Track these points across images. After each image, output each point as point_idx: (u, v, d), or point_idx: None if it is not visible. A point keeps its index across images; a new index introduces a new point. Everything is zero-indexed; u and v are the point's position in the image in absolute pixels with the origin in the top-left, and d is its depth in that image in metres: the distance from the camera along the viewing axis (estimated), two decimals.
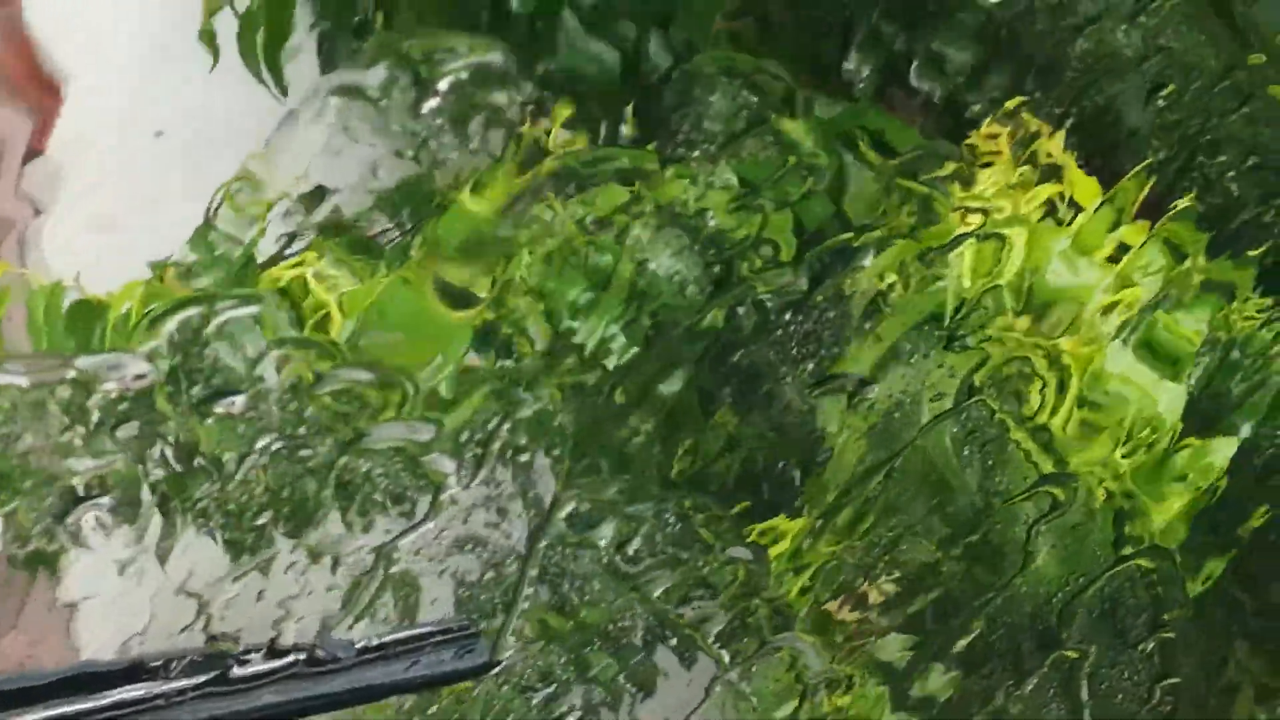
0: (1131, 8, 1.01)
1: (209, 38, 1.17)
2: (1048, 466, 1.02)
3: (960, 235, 0.99)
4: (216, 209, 0.98)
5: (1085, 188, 1.08)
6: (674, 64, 1.07)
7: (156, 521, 0.93)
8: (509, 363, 1.00)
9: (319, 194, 1.00)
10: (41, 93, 1.29)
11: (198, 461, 0.91)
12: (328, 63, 1.16)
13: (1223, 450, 1.10)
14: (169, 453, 0.92)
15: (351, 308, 0.97)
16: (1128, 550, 1.05)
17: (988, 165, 1.07)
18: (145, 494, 0.90)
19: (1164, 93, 1.01)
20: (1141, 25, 1.01)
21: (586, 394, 1.01)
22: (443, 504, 0.96)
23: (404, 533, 0.96)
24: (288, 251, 1.00)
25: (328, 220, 1.00)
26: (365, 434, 0.95)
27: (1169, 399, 1.08)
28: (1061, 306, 1.06)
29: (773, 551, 1.04)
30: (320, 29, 1.16)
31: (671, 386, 1.02)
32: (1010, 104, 1.08)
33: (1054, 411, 1.04)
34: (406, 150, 0.93)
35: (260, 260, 0.99)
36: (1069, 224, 1.07)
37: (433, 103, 0.93)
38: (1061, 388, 1.03)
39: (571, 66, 1.09)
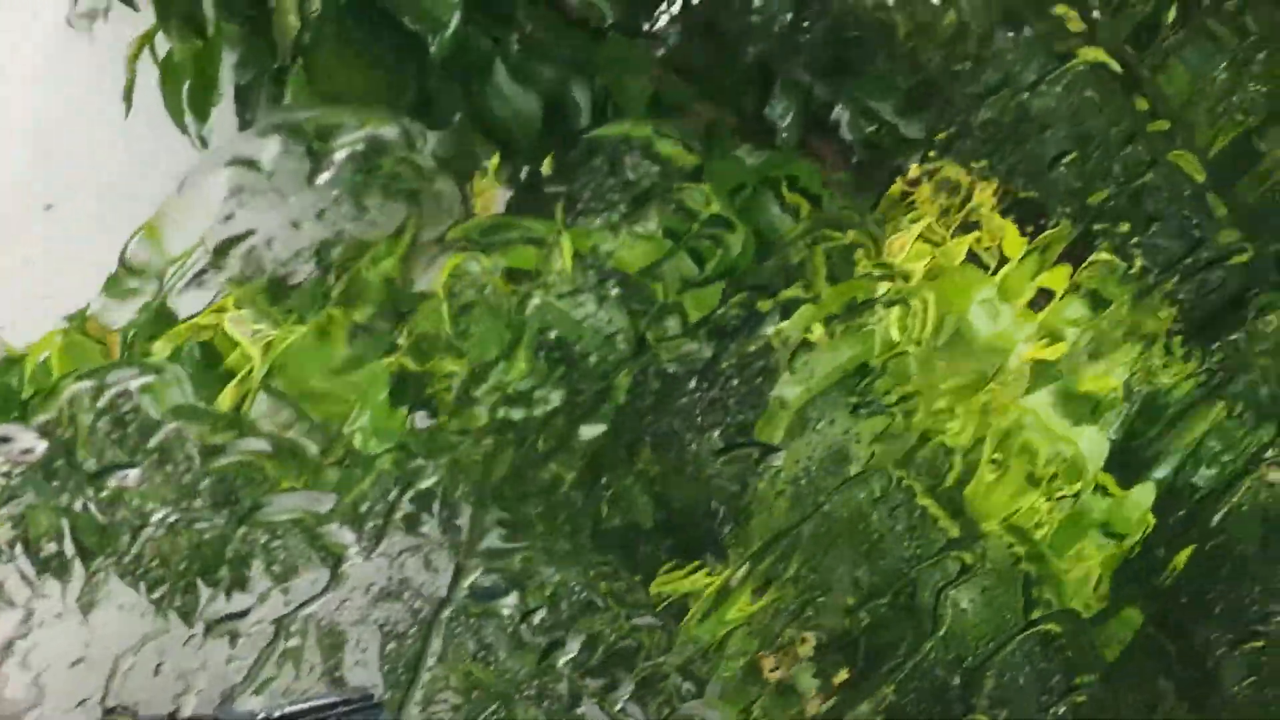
0: (1033, 77, 1.00)
1: (128, 90, 1.16)
2: (955, 531, 1.02)
3: (868, 300, 0.99)
4: (126, 257, 0.98)
5: (1011, 238, 1.07)
6: (596, 116, 1.07)
7: (55, 595, 0.93)
8: (424, 414, 0.99)
9: (226, 248, 0.99)
10: None
11: (90, 537, 0.90)
12: (245, 112, 1.15)
13: (1143, 499, 1.10)
14: (65, 526, 0.91)
15: (269, 357, 0.97)
16: (1037, 614, 1.04)
17: (912, 217, 1.07)
18: (31, 568, 0.89)
19: (1067, 159, 1.00)
20: (1043, 94, 1.00)
21: (499, 449, 1.01)
22: (343, 575, 0.95)
23: (304, 604, 0.95)
24: (202, 303, 1.00)
25: (242, 273, 1.00)
26: (263, 505, 0.94)
27: (1089, 446, 1.08)
28: (984, 355, 1.06)
29: (690, 614, 1.04)
30: (240, 80, 1.16)
31: (589, 437, 1.02)
32: (936, 159, 1.08)
33: (965, 474, 1.03)
34: (302, 221, 0.93)
35: (180, 313, 0.99)
36: (993, 273, 1.06)
37: (326, 175, 0.93)
38: (974, 448, 1.02)
39: (499, 116, 1.08)
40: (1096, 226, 1.03)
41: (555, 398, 1.01)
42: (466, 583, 0.99)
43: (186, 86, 1.14)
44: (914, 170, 1.07)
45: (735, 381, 1.00)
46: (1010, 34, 1.01)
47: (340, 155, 0.93)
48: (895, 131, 1.09)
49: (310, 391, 0.98)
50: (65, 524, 0.92)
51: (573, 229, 0.98)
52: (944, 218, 1.07)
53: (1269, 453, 1.07)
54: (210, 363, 0.97)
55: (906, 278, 1.04)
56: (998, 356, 1.06)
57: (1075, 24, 1.00)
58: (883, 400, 1.02)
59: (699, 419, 1.00)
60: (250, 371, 0.96)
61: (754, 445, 1.00)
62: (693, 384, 1.00)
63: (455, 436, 1.00)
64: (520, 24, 1.07)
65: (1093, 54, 1.00)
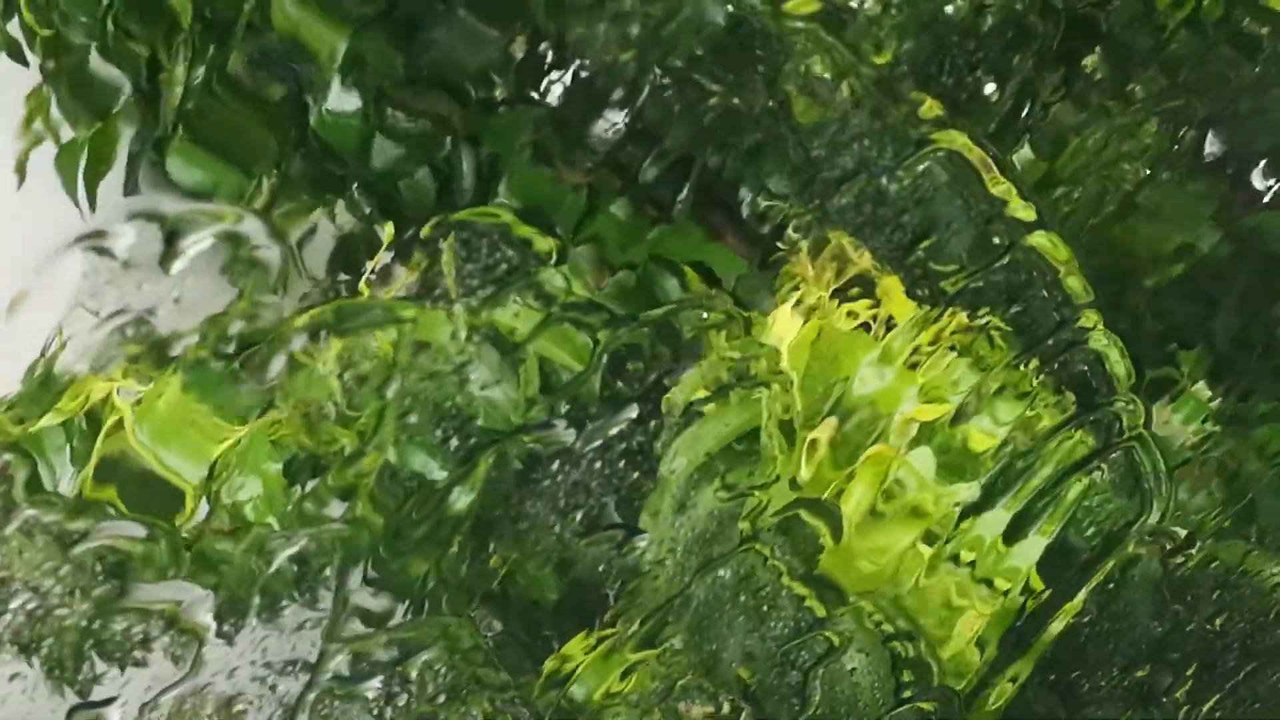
0: (887, 163, 1.01)
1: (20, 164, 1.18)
2: (822, 611, 1.02)
3: (723, 387, 1.00)
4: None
5: (899, 301, 1.08)
6: (481, 185, 1.08)
7: None
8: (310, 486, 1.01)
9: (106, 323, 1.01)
10: None
11: None
12: (130, 181, 1.16)
13: (1029, 553, 1.11)
14: None
15: (141, 418, 0.98)
16: (908, 694, 1.05)
17: (796, 290, 1.08)
18: None
19: (924, 244, 1.01)
20: (899, 179, 1.01)
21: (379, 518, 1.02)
22: (203, 659, 0.96)
23: (165, 690, 0.96)
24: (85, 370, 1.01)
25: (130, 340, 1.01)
26: (126, 592, 0.95)
27: (967, 497, 1.09)
28: (868, 413, 1.07)
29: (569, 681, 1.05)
30: (131, 149, 1.17)
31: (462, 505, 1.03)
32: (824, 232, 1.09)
33: (830, 552, 1.04)
34: (156, 309, 0.94)
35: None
36: (882, 335, 1.07)
37: (180, 264, 0.94)
38: (837, 534, 1.03)
39: (387, 187, 1.10)
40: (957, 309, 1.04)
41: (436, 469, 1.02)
42: (329, 666, 0.99)
43: (82, 162, 1.15)
44: (798, 242, 1.08)
45: (598, 464, 1.01)
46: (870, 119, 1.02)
47: (194, 249, 0.95)
48: (784, 207, 1.10)
49: (181, 443, 0.99)
50: None
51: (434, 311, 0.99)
52: (832, 289, 1.08)
53: (1134, 526, 1.08)
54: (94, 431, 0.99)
55: (776, 356, 1.04)
56: (879, 417, 1.07)
57: (932, 110, 1.01)
58: (749, 480, 1.02)
59: (561, 501, 1.01)
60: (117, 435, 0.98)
61: (615, 529, 1.01)
62: (554, 466, 1.01)
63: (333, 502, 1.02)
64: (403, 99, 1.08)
65: (948, 138, 1.00)
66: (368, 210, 1.05)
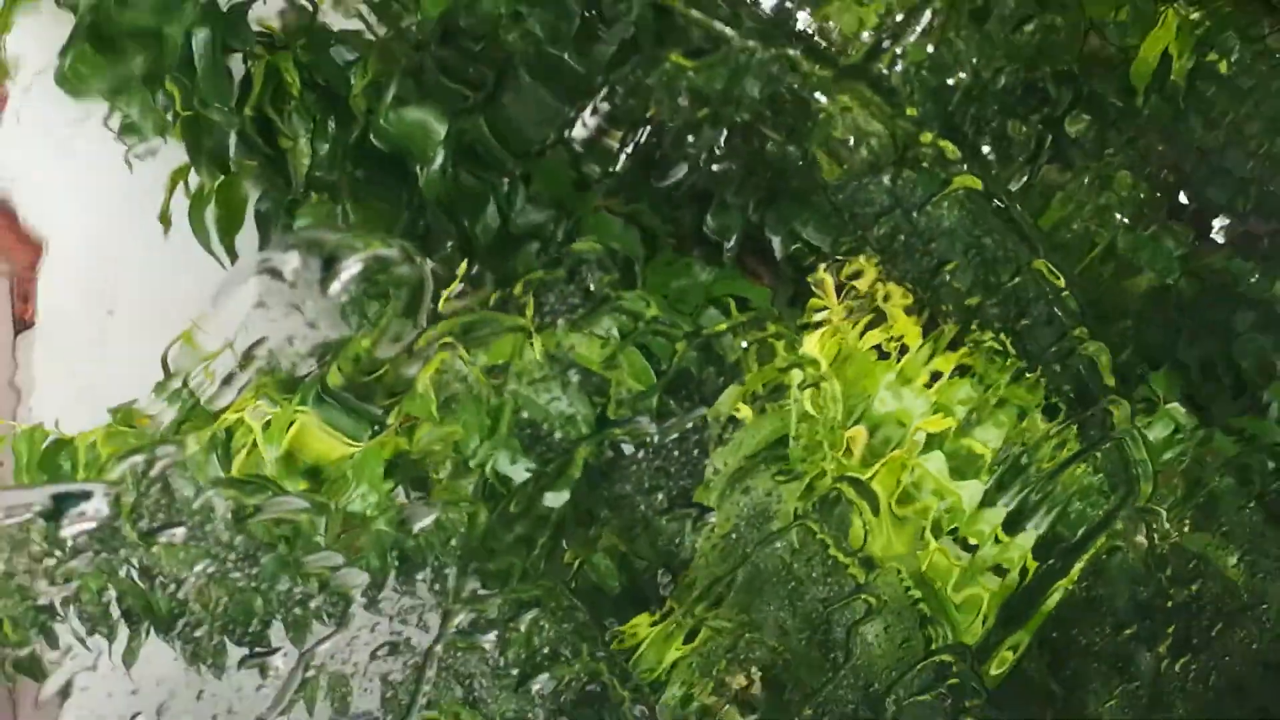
0: (919, 199, 1.23)
1: (164, 214, 1.39)
2: (861, 577, 1.23)
3: (781, 386, 1.21)
4: (168, 364, 1.19)
5: (911, 331, 1.30)
6: (562, 239, 1.30)
7: (123, 632, 1.14)
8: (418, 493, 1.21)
9: (252, 350, 1.21)
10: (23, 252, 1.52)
11: (153, 582, 1.11)
12: (264, 237, 1.38)
13: (1024, 542, 1.32)
14: (132, 573, 1.13)
15: (271, 439, 1.18)
16: (935, 646, 1.26)
17: (822, 320, 1.29)
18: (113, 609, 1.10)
19: (949, 266, 1.23)
20: (927, 214, 1.23)
21: (480, 516, 1.22)
22: (352, 616, 1.16)
23: (320, 641, 1.16)
24: (230, 396, 1.22)
25: (264, 369, 1.21)
26: (296, 559, 1.15)
27: (970, 496, 1.30)
28: (888, 427, 1.28)
29: (638, 652, 1.25)
30: (260, 208, 1.39)
31: (556, 504, 1.23)
32: (853, 265, 1.31)
33: (869, 528, 1.25)
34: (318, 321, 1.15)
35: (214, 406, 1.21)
36: (896, 360, 1.29)
37: (336, 285, 1.15)
38: (875, 510, 1.24)
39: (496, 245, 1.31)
40: (975, 322, 1.26)
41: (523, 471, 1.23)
42: (454, 623, 1.20)
43: (213, 214, 1.37)
44: (825, 277, 1.30)
45: (676, 452, 1.22)
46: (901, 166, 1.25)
47: (348, 270, 1.16)
48: (813, 248, 1.32)
49: (311, 467, 1.20)
50: (111, 587, 1.13)
51: (545, 328, 1.21)
52: (851, 316, 1.30)
53: (1121, 513, 1.29)
54: (232, 446, 1.19)
55: (817, 365, 1.26)
56: (898, 429, 1.28)
57: (952, 153, 1.24)
58: (799, 467, 1.23)
59: (646, 483, 1.22)
60: (255, 447, 1.18)
61: (691, 507, 1.22)
62: (640, 454, 1.22)
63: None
64: (511, 170, 1.30)
65: (966, 181, 1.23)
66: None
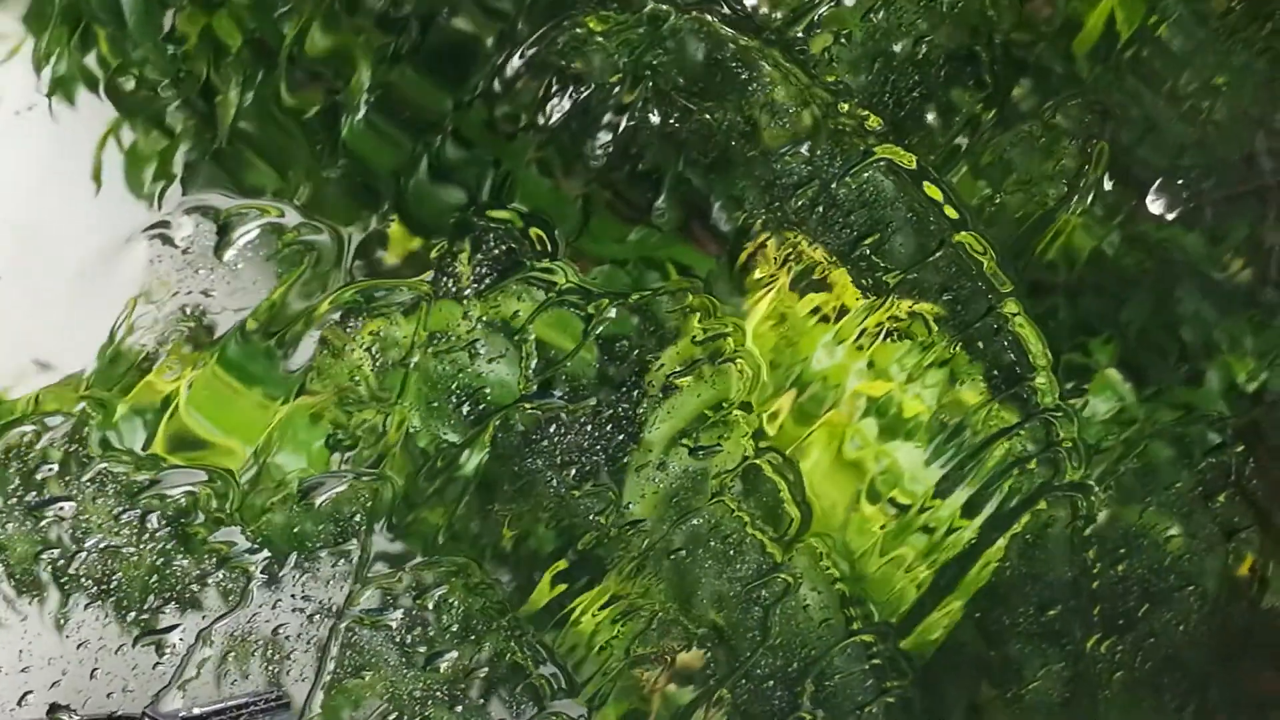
0: (838, 170, 1.20)
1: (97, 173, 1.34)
2: (779, 556, 1.20)
3: (695, 360, 1.18)
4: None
5: (849, 293, 1.27)
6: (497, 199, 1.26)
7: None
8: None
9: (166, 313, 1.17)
10: None
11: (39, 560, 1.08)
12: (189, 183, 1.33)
13: (955, 502, 1.30)
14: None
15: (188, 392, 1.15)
16: (856, 625, 1.23)
17: (766, 286, 1.26)
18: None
19: (868, 240, 1.19)
20: (846, 184, 1.19)
21: (393, 485, 1.19)
22: (251, 593, 1.13)
23: (220, 617, 1.13)
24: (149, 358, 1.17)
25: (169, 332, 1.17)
26: (193, 534, 1.12)
27: (905, 458, 1.27)
28: (821, 385, 1.25)
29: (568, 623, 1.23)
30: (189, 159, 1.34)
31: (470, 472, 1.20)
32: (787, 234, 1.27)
33: (796, 499, 1.22)
34: (213, 290, 1.11)
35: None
36: (835, 321, 1.25)
37: (231, 252, 1.11)
38: (799, 483, 1.21)
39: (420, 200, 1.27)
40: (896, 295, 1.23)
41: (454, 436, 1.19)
42: (359, 601, 1.16)
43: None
44: (764, 245, 1.26)
45: (589, 427, 1.18)
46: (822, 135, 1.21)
47: (243, 238, 1.12)
48: (752, 215, 1.28)
49: (227, 423, 1.16)
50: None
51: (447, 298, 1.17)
52: (794, 285, 1.27)
53: (1049, 484, 1.26)
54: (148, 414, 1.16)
55: (740, 337, 1.22)
56: (833, 390, 1.25)
57: (874, 123, 1.20)
58: (719, 440, 1.20)
59: (558, 459, 1.18)
60: (176, 408, 1.15)
61: (606, 486, 1.19)
62: (551, 429, 1.18)
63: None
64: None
65: (888, 152, 1.19)
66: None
